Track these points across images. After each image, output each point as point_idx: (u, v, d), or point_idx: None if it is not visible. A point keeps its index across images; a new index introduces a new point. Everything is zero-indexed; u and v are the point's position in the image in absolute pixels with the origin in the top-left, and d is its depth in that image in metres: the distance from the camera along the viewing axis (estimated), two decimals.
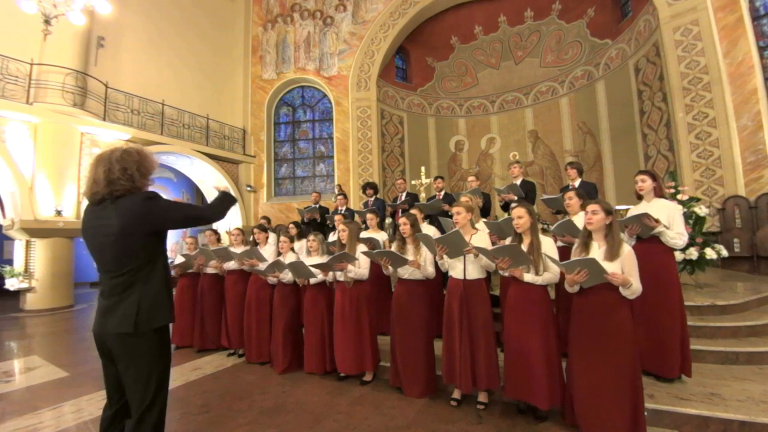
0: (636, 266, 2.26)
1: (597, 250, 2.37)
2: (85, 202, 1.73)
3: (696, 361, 3.08)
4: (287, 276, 3.81)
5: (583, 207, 3.13)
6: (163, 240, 1.77)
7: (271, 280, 3.96)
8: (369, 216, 4.57)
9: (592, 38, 10.54)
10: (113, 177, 1.62)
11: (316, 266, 3.43)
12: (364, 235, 4.35)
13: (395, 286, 3.35)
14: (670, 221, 2.93)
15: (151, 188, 1.77)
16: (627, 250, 2.30)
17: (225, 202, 1.93)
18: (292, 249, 4.06)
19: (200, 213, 1.85)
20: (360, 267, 3.42)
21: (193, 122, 10.74)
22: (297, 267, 3.56)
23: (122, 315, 1.59)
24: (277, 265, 3.76)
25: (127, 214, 1.59)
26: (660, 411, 2.48)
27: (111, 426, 1.71)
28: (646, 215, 2.88)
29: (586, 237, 2.46)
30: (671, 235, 2.91)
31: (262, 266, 3.88)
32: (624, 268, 2.25)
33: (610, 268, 2.23)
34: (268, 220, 6.47)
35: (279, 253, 4.11)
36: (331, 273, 3.50)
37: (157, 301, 1.67)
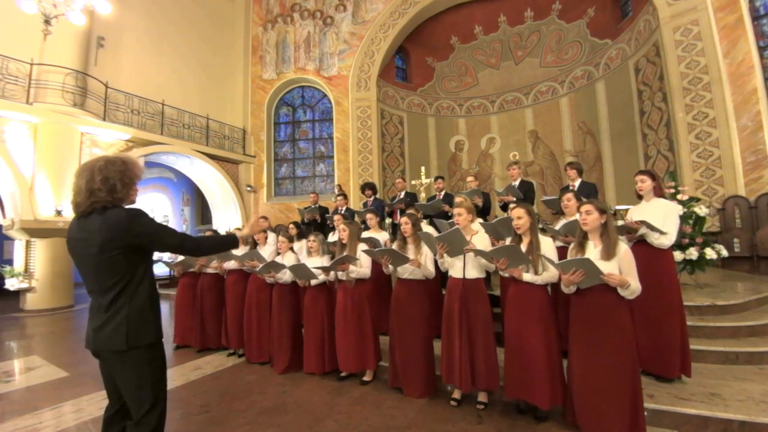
0: (634, 265, 2.25)
1: (593, 250, 2.37)
2: None
3: (696, 361, 3.08)
4: (284, 276, 3.81)
5: (579, 209, 3.16)
6: (147, 258, 1.72)
7: (269, 280, 3.96)
8: (369, 216, 4.57)
9: (592, 38, 10.54)
10: (94, 187, 1.58)
11: (318, 269, 3.45)
12: (365, 235, 4.35)
13: (394, 286, 3.36)
14: (664, 220, 2.94)
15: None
16: (624, 249, 2.28)
17: (221, 246, 1.90)
18: (291, 249, 4.05)
19: (191, 246, 1.78)
20: (361, 266, 3.43)
21: (193, 122, 10.74)
22: (299, 269, 3.57)
23: (111, 333, 1.58)
24: (273, 266, 3.75)
25: (109, 228, 1.56)
26: (660, 411, 2.48)
27: (112, 426, 1.71)
28: (625, 225, 3.04)
29: (582, 237, 2.45)
30: (655, 236, 2.94)
31: (259, 266, 3.87)
32: (621, 268, 2.24)
33: (607, 267, 2.22)
34: (267, 221, 6.44)
35: (278, 253, 4.10)
36: (332, 273, 3.50)
37: (144, 319, 1.64)
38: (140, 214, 1.64)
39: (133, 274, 1.64)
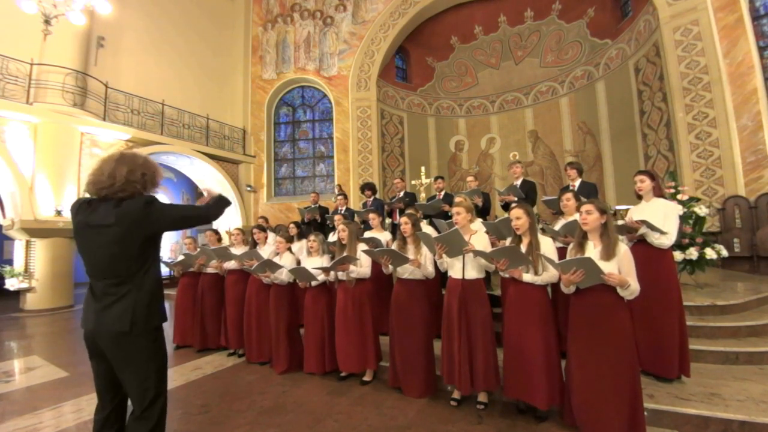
0: (633, 266, 2.25)
1: (592, 250, 2.36)
2: None
3: (696, 361, 3.08)
4: (281, 276, 3.80)
5: (578, 209, 3.16)
6: (157, 243, 1.79)
7: (265, 280, 3.94)
8: (371, 216, 4.56)
9: (592, 38, 10.54)
10: (133, 179, 1.66)
11: (318, 269, 3.45)
12: (367, 235, 4.34)
13: (394, 286, 3.35)
14: (663, 220, 2.95)
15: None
16: (623, 249, 2.28)
17: (220, 204, 1.99)
18: (290, 249, 4.04)
19: (197, 213, 1.89)
20: (361, 266, 3.43)
21: (193, 122, 10.74)
22: (299, 272, 3.57)
23: (118, 315, 1.60)
24: (268, 265, 3.74)
25: (127, 219, 1.60)
26: (660, 411, 2.48)
27: (104, 427, 1.70)
28: (626, 225, 3.04)
29: (582, 237, 2.45)
30: (655, 235, 2.95)
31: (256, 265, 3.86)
32: (621, 268, 2.24)
33: (607, 267, 2.22)
34: (266, 220, 6.47)
35: (277, 253, 4.10)
36: (332, 273, 3.50)
37: (152, 302, 1.69)
38: (153, 201, 1.70)
39: (144, 261, 1.69)
